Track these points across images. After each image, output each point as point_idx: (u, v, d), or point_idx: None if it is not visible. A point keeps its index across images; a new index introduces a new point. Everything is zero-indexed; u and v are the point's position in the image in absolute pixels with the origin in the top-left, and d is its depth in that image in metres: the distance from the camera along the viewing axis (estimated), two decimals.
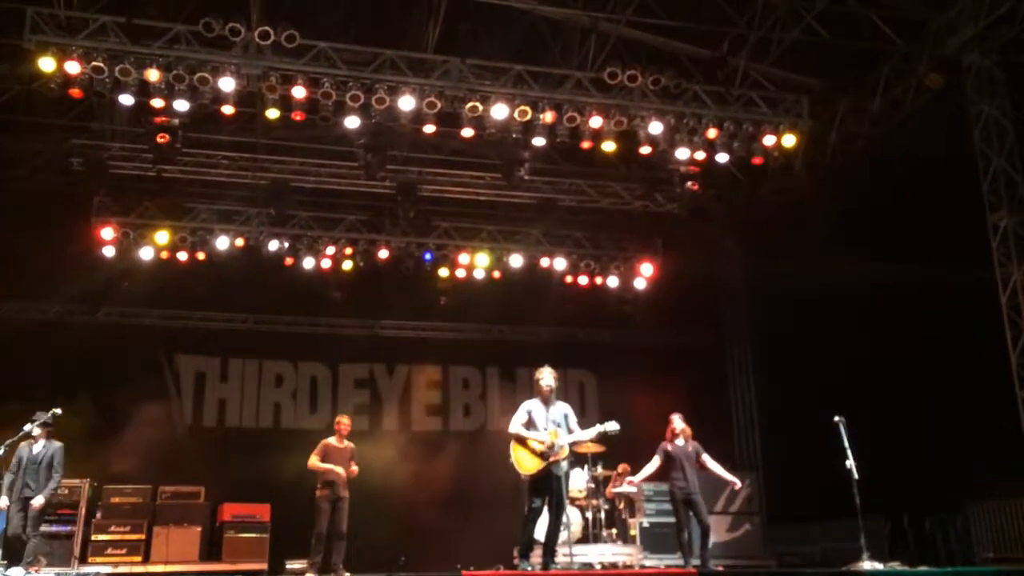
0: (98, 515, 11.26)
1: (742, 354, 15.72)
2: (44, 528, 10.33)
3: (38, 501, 8.79)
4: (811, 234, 11.99)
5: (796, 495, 12.94)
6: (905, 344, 10.89)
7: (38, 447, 8.92)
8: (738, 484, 9.67)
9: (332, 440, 9.87)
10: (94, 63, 9.48)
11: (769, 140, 11.16)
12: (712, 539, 9.48)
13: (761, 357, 15.28)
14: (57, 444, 9.03)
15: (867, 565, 8.18)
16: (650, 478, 9.63)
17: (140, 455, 12.57)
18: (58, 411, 8.97)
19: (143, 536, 11.26)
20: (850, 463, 8.40)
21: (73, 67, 9.44)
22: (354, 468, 9.82)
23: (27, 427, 8.83)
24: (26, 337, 12.70)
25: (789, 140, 11.21)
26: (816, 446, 9.24)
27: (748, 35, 10.87)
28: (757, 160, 11.33)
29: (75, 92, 9.68)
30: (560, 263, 14.31)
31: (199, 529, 11.48)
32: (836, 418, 8.60)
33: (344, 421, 10.06)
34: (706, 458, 9.32)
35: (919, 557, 10.08)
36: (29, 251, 12.24)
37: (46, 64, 9.41)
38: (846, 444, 8.46)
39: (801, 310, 12.62)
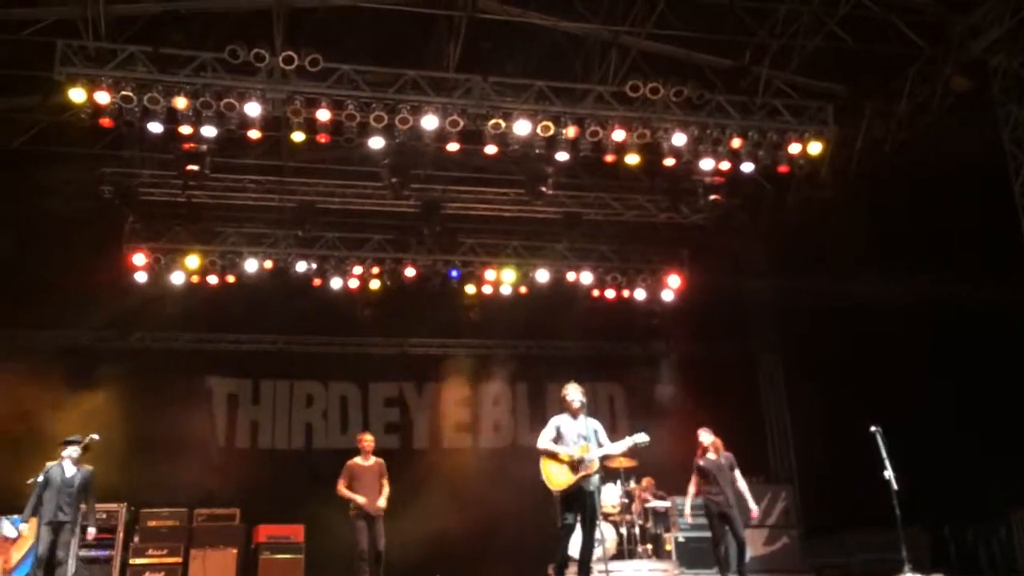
0: (135, 539, 11.36)
1: (773, 365, 15.56)
2: (83, 553, 10.53)
3: (92, 532, 8.98)
4: (840, 241, 11.88)
5: (834, 507, 12.77)
6: (944, 353, 10.73)
7: (71, 470, 8.93)
8: (755, 512, 9.43)
9: (358, 459, 9.77)
10: (123, 92, 9.63)
11: (795, 148, 11.08)
12: (749, 553, 9.36)
13: (793, 367, 15.11)
14: (89, 468, 9.07)
15: None
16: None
17: (175, 478, 12.67)
18: (96, 436, 9.08)
19: (180, 559, 11.35)
20: (889, 473, 8.27)
21: (103, 97, 9.61)
22: (385, 486, 9.75)
23: (68, 451, 8.93)
24: (61, 363, 12.87)
25: (815, 147, 11.12)
26: (853, 457, 9.12)
27: (770, 43, 10.82)
28: (783, 168, 11.24)
29: (105, 122, 9.84)
30: (586, 277, 14.29)
31: (235, 551, 11.55)
32: (873, 428, 8.47)
33: (367, 438, 9.91)
34: (737, 473, 9.21)
35: (961, 568, 9.89)
36: (63, 278, 12.45)
37: (76, 95, 9.58)
38: (884, 454, 8.33)
39: (833, 319, 12.48)
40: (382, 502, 9.57)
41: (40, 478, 8.77)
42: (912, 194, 11.04)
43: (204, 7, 10.34)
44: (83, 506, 8.95)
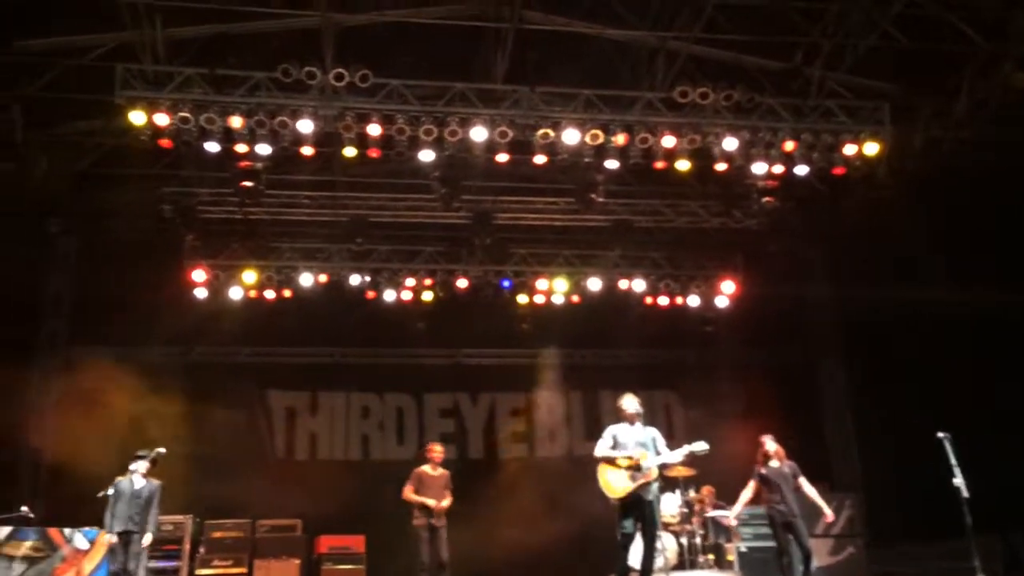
0: (201, 550, 11.54)
1: (834, 370, 15.20)
2: (152, 564, 10.77)
3: (147, 540, 9.10)
4: (900, 243, 11.61)
5: (901, 515, 12.43)
6: (1012, 356, 10.39)
7: (139, 483, 9.20)
8: (830, 516, 9.27)
9: (426, 468, 9.92)
10: (181, 114, 9.90)
11: (850, 149, 10.86)
12: (814, 563, 9.15)
13: (855, 372, 14.75)
14: (157, 483, 9.32)
15: None
16: (747, 504, 9.36)
17: (237, 489, 12.88)
18: (163, 450, 9.33)
19: (245, 569, 11.49)
20: (959, 480, 8.02)
21: (162, 119, 9.88)
22: (448, 498, 9.82)
23: (135, 464, 9.19)
24: (125, 379, 13.19)
25: (871, 148, 10.88)
26: (920, 464, 8.87)
27: (822, 44, 10.65)
28: (838, 170, 11.03)
29: (164, 142, 10.13)
30: (639, 284, 14.20)
31: (298, 562, 11.65)
32: (940, 435, 8.24)
33: (437, 448, 10.11)
34: (802, 480, 9.04)
35: None
36: (126, 296, 12.77)
37: (137, 118, 9.87)
38: (953, 461, 8.09)
39: (895, 322, 12.19)
40: (445, 503, 9.70)
41: (110, 491, 9.03)
42: (973, 194, 10.75)
43: (256, 28, 10.56)
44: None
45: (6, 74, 10.37)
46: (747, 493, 9.11)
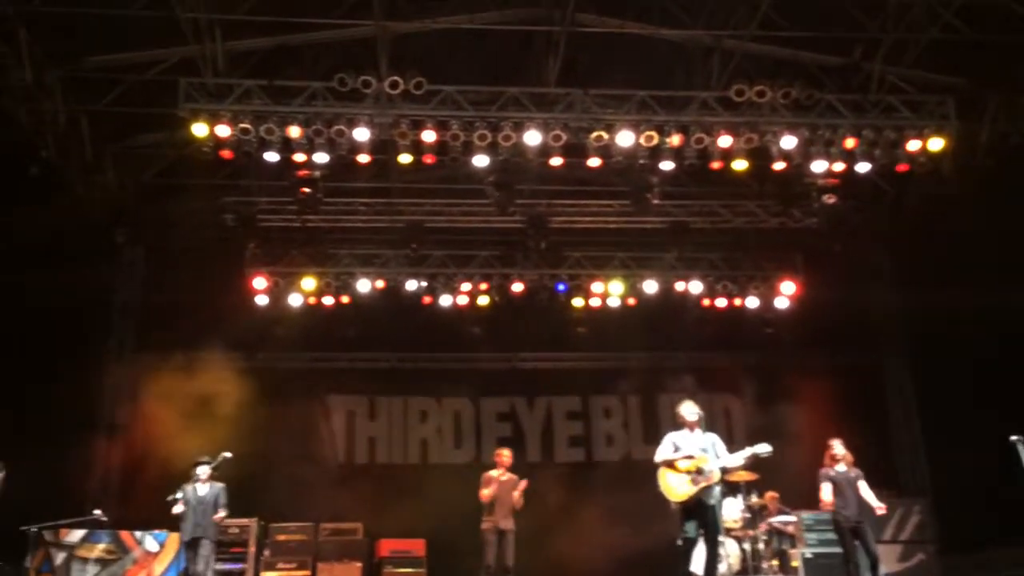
0: (266, 553, 11.73)
1: (900, 372, 14.80)
2: (218, 566, 11.00)
3: (222, 514, 9.35)
4: (969, 240, 11.26)
5: (977, 521, 12.01)
6: None
7: (203, 489, 9.43)
8: (883, 508, 8.99)
9: (494, 472, 9.97)
10: (241, 125, 10.12)
11: (914, 145, 10.60)
12: (882, 569, 8.93)
13: (922, 374, 14.33)
14: (220, 485, 9.53)
15: None
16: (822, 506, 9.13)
17: (299, 493, 13.08)
18: (228, 455, 9.53)
19: (308, 572, 11.62)
20: None
21: (223, 130, 10.12)
22: (518, 499, 9.82)
23: (199, 470, 9.43)
24: (189, 384, 13.50)
25: (936, 144, 10.60)
26: (993, 468, 8.58)
27: (882, 38, 10.41)
28: (902, 167, 10.78)
29: (225, 153, 10.37)
30: (696, 286, 14.04)
31: (360, 565, 11.75)
32: (1013, 438, 7.96)
33: (504, 453, 10.12)
34: (861, 484, 8.83)
35: None
36: (190, 304, 13.11)
37: (199, 130, 10.13)
38: None
39: (964, 322, 11.80)
40: (516, 493, 9.70)
41: (179, 495, 9.28)
42: None
43: (313, 39, 10.75)
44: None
45: (76, 90, 10.73)
46: (828, 495, 8.81)
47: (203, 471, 9.44)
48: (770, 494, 11.21)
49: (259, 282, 13.60)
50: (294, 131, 10.21)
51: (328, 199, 12.09)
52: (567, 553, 12.90)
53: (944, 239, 12.02)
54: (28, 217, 10.60)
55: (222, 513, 9.35)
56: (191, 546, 9.26)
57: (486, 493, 9.71)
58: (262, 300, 13.69)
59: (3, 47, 9.62)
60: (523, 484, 9.82)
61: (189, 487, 9.41)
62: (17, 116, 10.38)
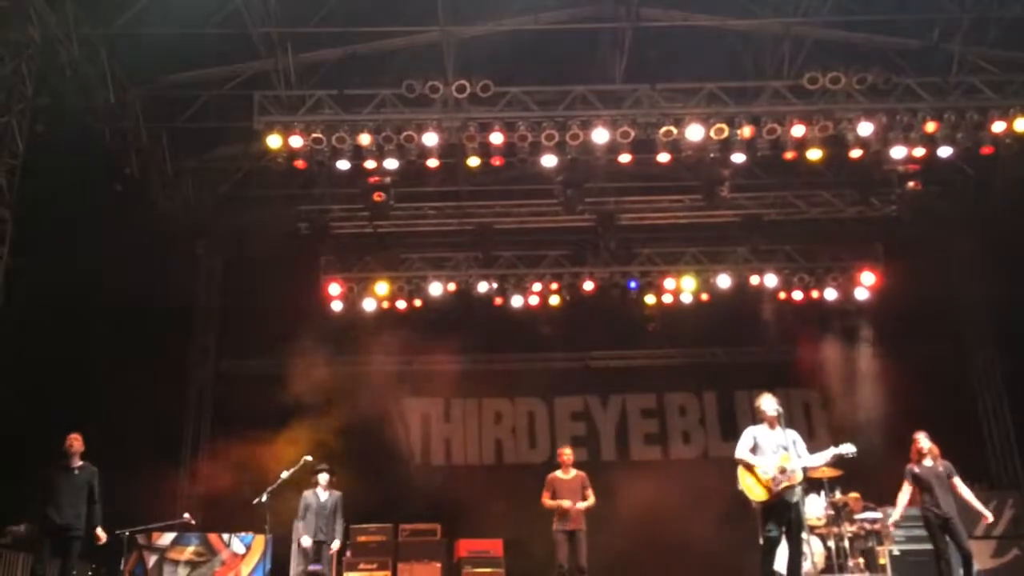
0: (348, 554, 11.94)
1: (990, 362, 14.24)
2: (301, 568, 11.28)
3: (335, 546, 9.90)
4: None
5: None
6: None
7: (324, 495, 9.99)
8: (989, 517, 8.71)
9: (558, 473, 9.92)
10: (314, 135, 10.35)
11: (999, 126, 10.22)
12: (975, 567, 8.61)
13: (1013, 364, 13.74)
14: (339, 493, 10.08)
15: None
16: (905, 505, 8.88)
17: (378, 495, 13.25)
18: (309, 457, 9.78)
19: (389, 573, 11.78)
20: None
21: (296, 141, 10.36)
22: (589, 498, 9.78)
23: (321, 477, 10.05)
24: (271, 387, 13.80)
25: (1022, 124, 10.18)
26: None
27: (961, 18, 10.04)
28: (987, 150, 10.40)
29: (299, 163, 10.63)
30: (771, 280, 13.77)
31: (439, 565, 11.85)
32: None
33: (566, 452, 10.07)
34: (957, 481, 8.53)
35: None
36: (270, 309, 13.41)
37: (273, 141, 10.39)
38: None
39: None
40: (581, 505, 9.62)
41: (302, 507, 9.98)
42: None
43: (380, 47, 10.90)
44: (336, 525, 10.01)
45: (156, 108, 11.11)
46: (904, 495, 8.64)
47: (323, 478, 10.01)
48: (853, 495, 10.92)
49: (334, 288, 13.86)
50: (364, 139, 10.39)
51: (398, 204, 12.24)
52: (645, 552, 12.78)
53: None
54: (113, 232, 11.01)
55: (336, 544, 9.94)
56: (315, 549, 9.82)
57: (549, 501, 9.67)
58: (337, 306, 13.96)
59: (88, 69, 10.01)
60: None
61: (310, 492, 10.01)
62: (102, 135, 10.79)
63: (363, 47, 10.83)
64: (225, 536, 11.09)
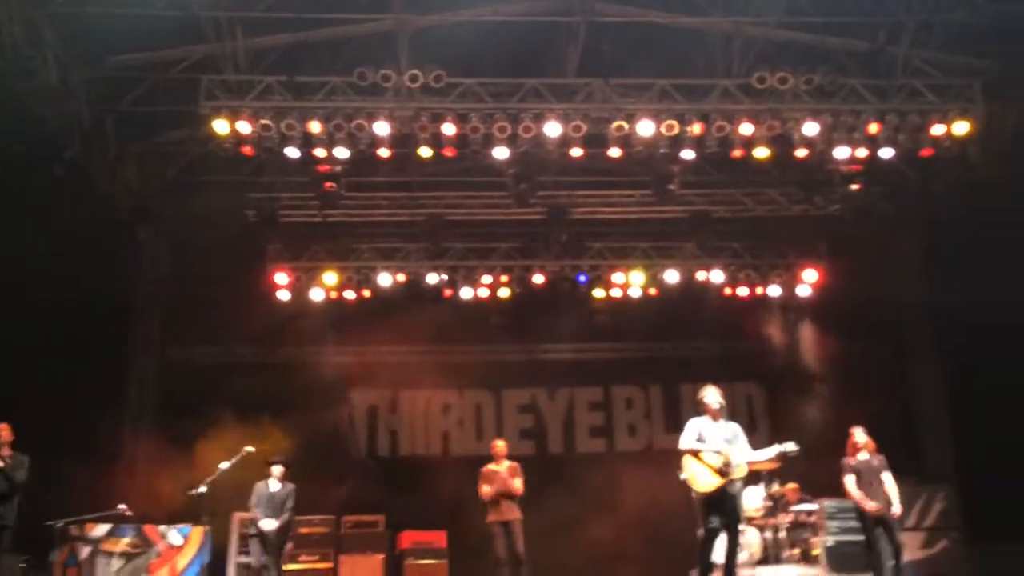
0: (289, 545, 11.82)
1: (927, 360, 14.65)
2: (241, 559, 11.17)
3: (269, 524, 9.68)
4: (997, 227, 11.11)
5: (1001, 509, 11.91)
6: None
7: (276, 486, 9.88)
8: (898, 511, 8.95)
9: (491, 465, 10.03)
10: (262, 121, 10.18)
11: (938, 129, 10.50)
12: (905, 557, 8.88)
13: (949, 363, 14.18)
14: (292, 485, 9.96)
15: None
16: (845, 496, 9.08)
17: (322, 486, 13.14)
18: (251, 448, 9.64)
19: (331, 564, 11.69)
20: None
21: (244, 127, 10.18)
22: (519, 485, 9.86)
23: (274, 469, 9.94)
24: (212, 378, 13.62)
25: (961, 128, 10.49)
26: (1019, 455, 8.52)
27: (907, 21, 10.29)
28: (926, 152, 10.69)
29: (247, 150, 10.44)
30: (717, 275, 13.98)
31: (381, 557, 11.80)
32: None
33: (499, 444, 10.26)
34: (886, 475, 8.77)
35: None
36: (215, 298, 13.20)
37: (220, 127, 10.19)
38: None
39: (991, 310, 11.66)
40: (517, 484, 9.73)
41: (253, 499, 9.82)
42: None
43: (332, 34, 10.76)
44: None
45: (100, 90, 10.82)
46: (854, 488, 8.76)
47: (277, 470, 9.91)
48: (791, 486, 11.18)
49: (281, 277, 13.68)
50: (315, 126, 10.26)
51: (349, 193, 12.13)
52: (588, 544, 12.92)
53: (970, 226, 11.88)
54: (53, 216, 10.72)
55: (272, 524, 9.67)
56: (259, 538, 9.68)
57: (486, 490, 9.74)
58: (284, 295, 13.78)
59: (30, 50, 9.70)
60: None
61: (262, 483, 9.86)
62: (43, 117, 10.47)
63: (315, 34, 10.66)
64: (162, 528, 10.87)
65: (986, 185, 11.29)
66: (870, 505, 8.74)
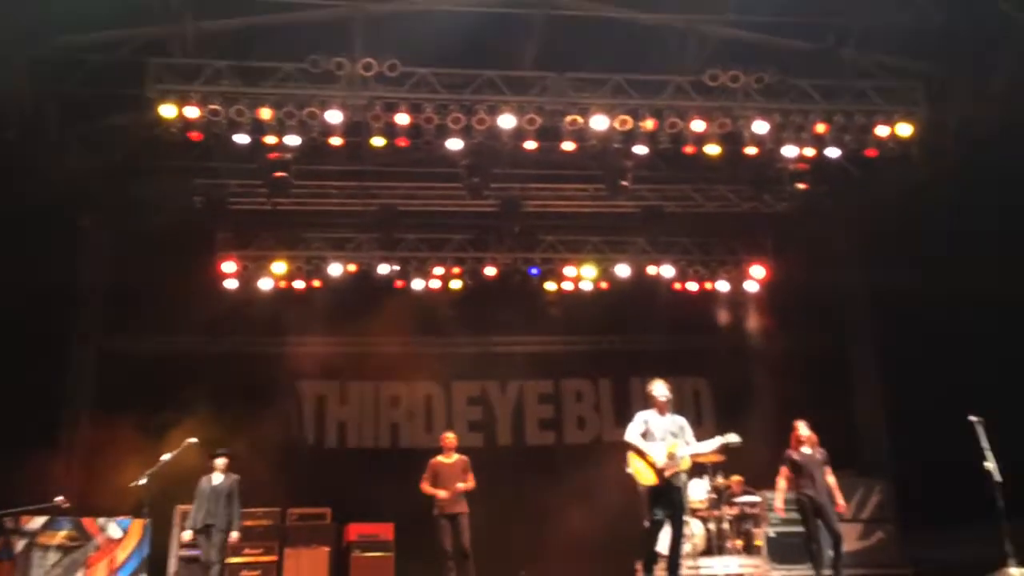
0: (235, 535, 11.65)
1: (866, 355, 15.03)
2: (183, 553, 10.98)
3: (235, 536, 9.60)
4: (938, 227, 11.43)
5: (933, 500, 12.29)
6: None
7: (218, 479, 9.68)
8: (843, 507, 9.21)
9: (441, 457, 10.01)
10: (211, 106, 9.97)
11: (883, 131, 10.75)
12: (844, 548, 9.12)
13: (887, 357, 14.56)
14: (235, 476, 9.78)
15: (1014, 572, 7.74)
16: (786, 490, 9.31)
17: (267, 478, 12.99)
18: (194, 440, 9.48)
19: (275, 557, 11.61)
20: (990, 464, 7.98)
21: (192, 112, 9.96)
22: (469, 481, 9.87)
23: (217, 461, 9.76)
24: (158, 368, 13.35)
25: (904, 129, 10.76)
26: (953, 448, 8.79)
27: (854, 24, 10.50)
28: (870, 152, 10.94)
29: (194, 135, 10.22)
30: (668, 270, 14.15)
31: (327, 550, 11.75)
32: (972, 418, 8.18)
33: (449, 436, 10.21)
34: (828, 470, 9.00)
35: None
36: (159, 287, 12.93)
37: (167, 111, 9.96)
38: (984, 445, 8.04)
39: (930, 307, 12.01)
40: (460, 486, 9.69)
41: (197, 493, 9.63)
42: (1010, 175, 10.52)
43: (285, 20, 10.58)
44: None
45: (43, 71, 10.48)
46: (784, 481, 9.07)
47: (220, 462, 9.73)
48: (736, 478, 11.39)
49: (228, 266, 13.46)
50: (265, 113, 10.09)
51: (299, 182, 11.96)
52: (535, 535, 13.00)
53: (912, 225, 12.20)
54: None
55: (235, 535, 9.61)
56: (203, 532, 9.50)
57: (427, 488, 9.72)
58: (231, 284, 13.56)
59: None
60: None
61: (205, 478, 9.68)
62: None
63: (267, 19, 10.46)
64: (101, 520, 10.64)
65: (927, 185, 11.61)
66: (778, 506, 9.20)
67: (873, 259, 14.19)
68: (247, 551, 11.54)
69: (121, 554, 10.61)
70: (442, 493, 9.63)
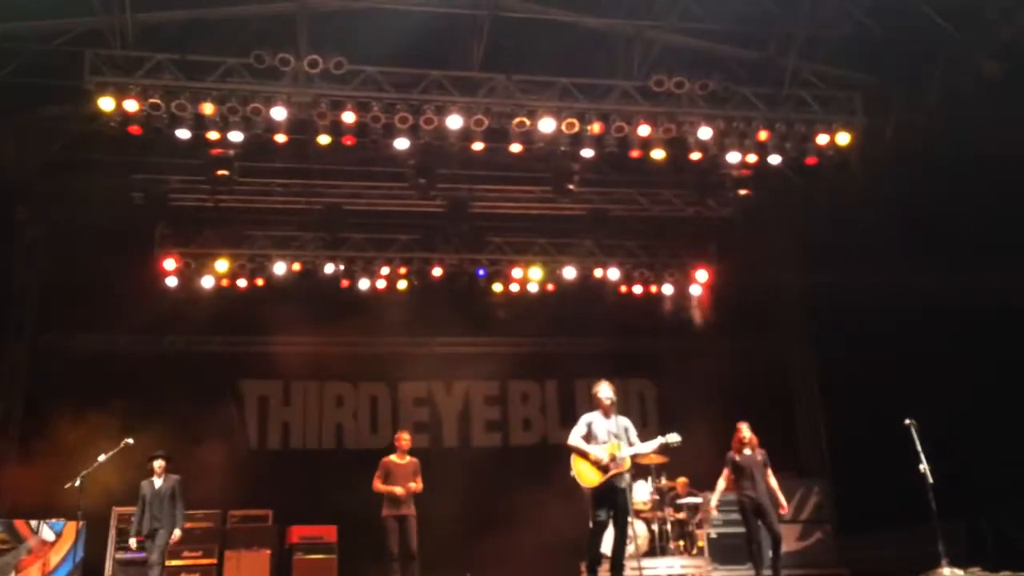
0: (176, 534, 11.42)
1: (806, 359, 15.36)
2: (120, 556, 10.73)
3: (176, 535, 9.30)
4: (874, 233, 11.73)
5: (869, 501, 12.61)
6: (978, 343, 10.55)
7: (159, 482, 9.41)
8: (785, 508, 9.39)
9: (393, 457, 9.92)
10: (151, 100, 9.78)
11: (822, 139, 10.99)
12: (783, 548, 9.29)
13: (826, 361, 14.90)
14: (176, 477, 9.51)
15: (947, 571, 7.95)
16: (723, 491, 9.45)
17: (208, 480, 12.76)
18: (130, 440, 9.27)
19: (215, 560, 11.44)
20: (924, 466, 8.19)
21: (131, 105, 9.75)
22: (418, 484, 9.83)
23: (156, 464, 9.45)
24: (95, 366, 13.04)
25: (843, 138, 11.01)
26: (888, 451, 9.02)
27: (796, 34, 10.72)
28: (811, 160, 11.16)
29: (134, 129, 10.00)
30: (614, 273, 14.26)
31: (269, 552, 11.62)
32: (907, 421, 8.39)
33: (404, 436, 10.09)
34: (768, 471, 9.16)
35: (999, 561, 9.73)
36: (96, 284, 12.63)
37: (106, 104, 9.73)
38: (919, 447, 8.26)
39: (867, 312, 12.33)
40: (413, 485, 9.69)
41: (139, 498, 9.36)
42: (949, 184, 10.84)
43: (229, 14, 10.42)
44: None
45: None
46: (723, 482, 9.21)
47: (158, 465, 9.44)
48: (681, 480, 11.52)
49: (169, 263, 13.19)
50: (208, 108, 9.92)
51: (243, 179, 11.81)
52: (481, 537, 12.97)
53: (849, 230, 12.49)
54: None
55: (177, 534, 9.34)
56: (150, 537, 9.25)
57: (380, 485, 9.66)
58: (172, 282, 13.29)
59: None
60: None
61: (146, 482, 9.40)
62: None
63: (211, 12, 10.30)
64: (33, 523, 10.37)
65: (862, 191, 11.89)
66: (712, 505, 9.44)
67: (814, 263, 14.49)
68: (186, 554, 11.34)
69: (55, 557, 10.37)
70: (399, 490, 9.55)
